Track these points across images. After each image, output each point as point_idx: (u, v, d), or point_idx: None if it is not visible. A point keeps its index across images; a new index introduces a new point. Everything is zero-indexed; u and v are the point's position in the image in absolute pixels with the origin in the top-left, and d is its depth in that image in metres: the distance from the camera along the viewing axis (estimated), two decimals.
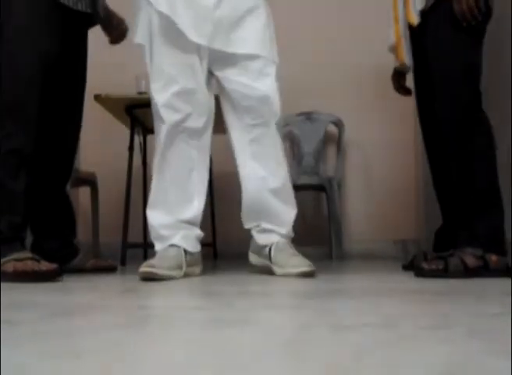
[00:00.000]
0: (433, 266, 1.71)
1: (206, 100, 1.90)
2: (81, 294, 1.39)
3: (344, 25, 3.47)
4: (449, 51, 1.86)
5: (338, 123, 3.38)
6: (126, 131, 2.92)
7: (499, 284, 1.46)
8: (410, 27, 1.99)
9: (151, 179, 3.28)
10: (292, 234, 1.95)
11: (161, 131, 1.85)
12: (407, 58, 2.01)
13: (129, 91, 2.75)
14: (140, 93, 2.76)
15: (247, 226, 1.97)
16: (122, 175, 2.83)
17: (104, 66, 2.72)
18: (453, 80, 1.85)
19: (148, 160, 3.15)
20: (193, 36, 1.82)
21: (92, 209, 3.02)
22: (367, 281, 1.69)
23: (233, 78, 1.89)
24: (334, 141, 3.45)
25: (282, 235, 1.90)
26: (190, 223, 1.87)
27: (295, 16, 3.45)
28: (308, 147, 3.39)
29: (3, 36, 1.77)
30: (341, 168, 3.36)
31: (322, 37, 3.47)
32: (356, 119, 3.40)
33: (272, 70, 1.92)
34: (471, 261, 1.71)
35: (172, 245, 1.81)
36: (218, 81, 1.94)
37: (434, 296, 1.26)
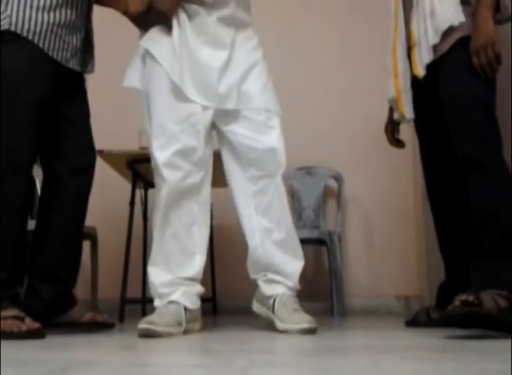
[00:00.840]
0: (466, 298, 1.56)
1: (205, 156, 1.91)
2: (80, 350, 1.37)
3: (344, 80, 3.55)
4: (466, 96, 1.83)
5: (337, 178, 3.41)
6: (127, 185, 2.94)
7: (500, 341, 1.45)
8: (414, 79, 1.99)
9: (151, 234, 3.28)
10: (298, 287, 1.93)
11: (163, 189, 1.85)
12: (407, 112, 2.02)
13: (130, 145, 2.79)
14: (142, 148, 2.80)
15: (253, 276, 1.95)
16: (122, 229, 2.84)
17: (105, 121, 2.78)
18: (475, 125, 1.81)
19: (149, 215, 3.17)
20: (202, 100, 1.86)
21: (92, 264, 3.00)
22: (368, 338, 1.67)
23: (238, 131, 1.92)
24: (334, 195, 3.47)
25: (288, 287, 1.89)
26: (191, 279, 1.86)
27: (295, 71, 3.54)
28: (308, 201, 3.41)
29: None
30: (341, 222, 3.37)
31: (322, 92, 3.54)
32: (355, 173, 3.43)
33: (276, 123, 1.97)
34: (500, 300, 1.58)
35: (171, 302, 1.80)
36: (222, 134, 1.96)
37: (435, 353, 1.25)
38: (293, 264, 1.91)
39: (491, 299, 1.57)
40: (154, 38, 1.91)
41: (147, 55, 1.92)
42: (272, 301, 1.86)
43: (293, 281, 1.91)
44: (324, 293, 3.23)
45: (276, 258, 1.89)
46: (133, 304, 2.99)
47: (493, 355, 1.22)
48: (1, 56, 1.77)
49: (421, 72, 1.93)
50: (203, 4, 1.91)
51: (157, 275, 1.84)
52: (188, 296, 1.83)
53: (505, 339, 1.45)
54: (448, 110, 1.89)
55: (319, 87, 3.55)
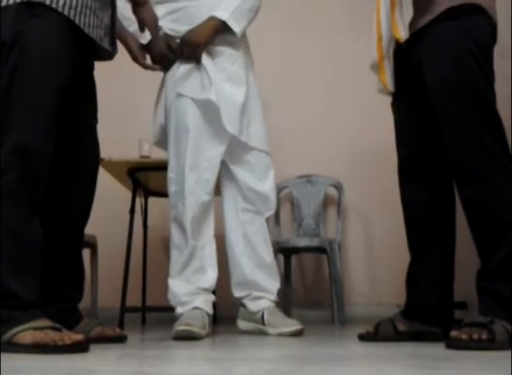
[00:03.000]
0: (479, 336, 1.45)
1: (213, 185, 2.16)
2: (78, 359, 1.36)
3: (345, 89, 3.56)
4: (458, 89, 1.63)
5: (337, 186, 3.41)
6: (127, 193, 2.95)
7: (501, 350, 1.44)
8: (398, 48, 1.78)
9: (151, 242, 3.28)
10: (277, 299, 2.22)
11: (186, 213, 2.06)
12: (389, 82, 1.81)
13: (130, 154, 2.80)
14: (142, 156, 2.81)
15: (237, 294, 2.20)
16: (122, 237, 2.83)
17: (105, 130, 2.79)
18: (469, 123, 1.61)
19: (149, 223, 3.17)
20: (228, 127, 2.09)
21: (91, 272, 3.00)
22: (369, 347, 1.66)
23: (243, 172, 2.19)
24: (334, 203, 3.47)
25: (271, 300, 2.17)
26: (207, 290, 2.11)
27: (296, 80, 3.55)
28: (308, 209, 3.41)
29: (16, 61, 1.55)
30: (341, 230, 3.37)
31: (322, 101, 3.56)
32: (355, 181, 3.44)
33: (271, 167, 2.23)
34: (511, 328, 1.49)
35: (195, 308, 2.03)
36: (227, 168, 2.20)
37: (436, 362, 1.24)
38: (273, 284, 2.20)
39: (503, 330, 1.48)
40: (184, 77, 2.14)
41: (178, 96, 2.14)
42: (260, 314, 2.13)
43: (274, 295, 2.20)
44: (324, 301, 3.22)
45: (260, 279, 2.17)
46: (133, 312, 2.99)
47: (494, 364, 1.21)
48: (29, 30, 1.56)
49: (402, 34, 1.68)
50: (228, 44, 2.18)
51: (178, 286, 2.08)
52: (208, 303, 2.09)
53: (505, 348, 1.45)
54: (436, 103, 1.69)
55: (320, 96, 3.56)
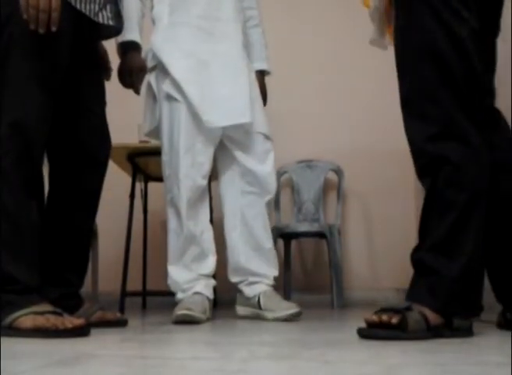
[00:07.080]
0: (389, 319, 1.31)
1: (209, 169, 2.14)
2: (79, 343, 1.37)
3: (345, 73, 3.54)
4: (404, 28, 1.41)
5: (337, 171, 3.41)
6: (127, 178, 2.94)
7: (500, 334, 1.45)
8: None
9: (151, 226, 3.29)
10: (274, 283, 2.19)
11: (182, 198, 2.04)
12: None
13: (130, 139, 2.79)
14: (142, 141, 2.80)
15: (233, 280, 2.20)
16: (122, 222, 2.84)
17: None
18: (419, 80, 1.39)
19: (149, 208, 3.17)
20: (220, 121, 2.06)
21: (92, 257, 3.00)
22: None
23: (244, 155, 2.16)
24: (334, 188, 3.47)
25: (267, 284, 2.15)
26: (207, 275, 2.12)
27: (296, 65, 3.53)
28: (308, 194, 3.41)
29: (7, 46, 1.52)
30: (341, 215, 3.37)
31: (322, 86, 3.54)
32: (355, 166, 3.43)
33: (271, 150, 2.20)
34: (432, 317, 1.34)
35: (196, 293, 2.05)
36: (226, 147, 2.17)
37: (436, 345, 1.25)
38: (270, 270, 2.18)
39: (420, 318, 1.33)
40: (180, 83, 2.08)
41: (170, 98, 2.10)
42: (256, 298, 2.12)
43: (271, 279, 2.17)
44: (324, 286, 3.23)
45: (255, 266, 2.15)
46: (134, 297, 3.00)
47: (492, 349, 1.22)
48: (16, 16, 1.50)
49: None
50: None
51: (178, 274, 2.09)
52: (208, 288, 2.10)
53: (505, 335, 1.46)
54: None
55: (319, 81, 3.55)
